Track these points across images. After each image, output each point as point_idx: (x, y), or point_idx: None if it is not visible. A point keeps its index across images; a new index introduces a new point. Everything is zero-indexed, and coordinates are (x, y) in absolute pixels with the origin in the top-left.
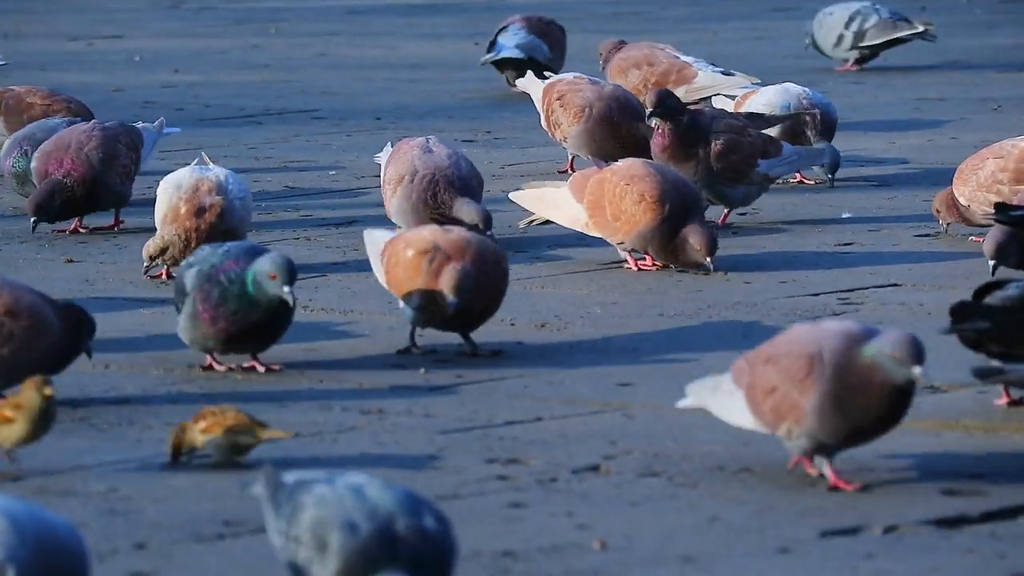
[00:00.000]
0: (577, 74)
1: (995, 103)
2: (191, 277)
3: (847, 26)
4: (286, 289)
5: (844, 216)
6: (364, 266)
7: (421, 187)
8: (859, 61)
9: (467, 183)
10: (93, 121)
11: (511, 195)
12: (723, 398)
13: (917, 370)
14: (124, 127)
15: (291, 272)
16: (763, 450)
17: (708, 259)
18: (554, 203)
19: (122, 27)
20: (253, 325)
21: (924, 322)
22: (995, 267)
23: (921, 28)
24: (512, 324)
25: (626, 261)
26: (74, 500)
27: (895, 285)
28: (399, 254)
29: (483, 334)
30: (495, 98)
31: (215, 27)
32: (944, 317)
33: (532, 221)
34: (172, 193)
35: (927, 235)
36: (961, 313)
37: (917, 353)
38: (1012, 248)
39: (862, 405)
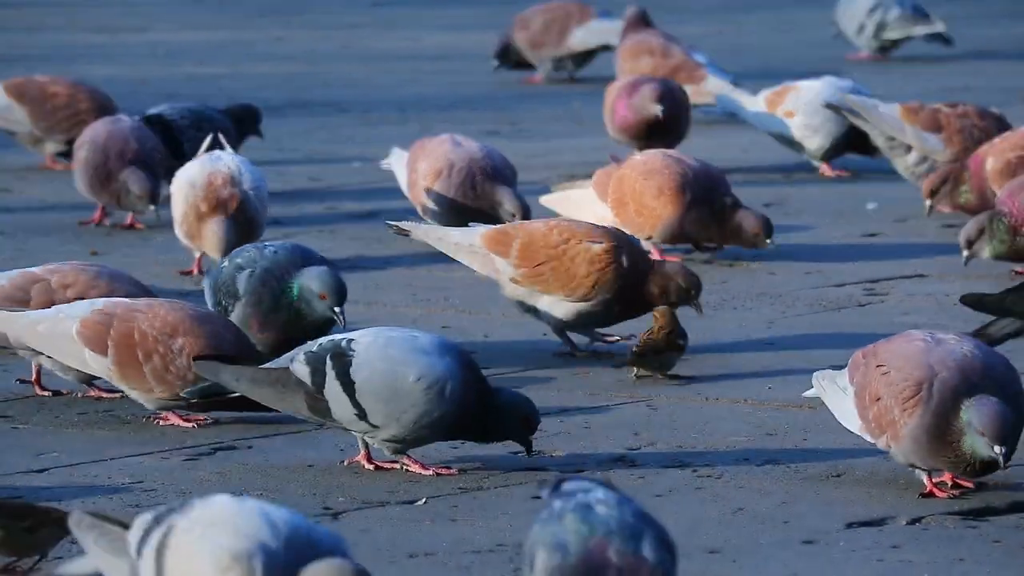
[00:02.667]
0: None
1: (1020, 92)
2: (242, 281)
3: (869, 15)
4: (337, 310)
5: (869, 207)
6: (388, 258)
7: (460, 179)
8: (880, 50)
9: (502, 172)
10: (136, 118)
11: (541, 200)
12: (838, 395)
13: (998, 450)
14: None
15: (341, 292)
16: (788, 441)
17: (768, 240)
18: (580, 204)
19: (146, 19)
20: (302, 333)
21: (949, 312)
22: (968, 259)
23: (939, 28)
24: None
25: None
26: (98, 492)
27: (921, 276)
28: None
29: (507, 328)
30: (519, 90)
31: (239, 19)
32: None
33: None
34: (188, 192)
35: (952, 226)
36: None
37: (1002, 434)
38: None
39: (949, 453)
